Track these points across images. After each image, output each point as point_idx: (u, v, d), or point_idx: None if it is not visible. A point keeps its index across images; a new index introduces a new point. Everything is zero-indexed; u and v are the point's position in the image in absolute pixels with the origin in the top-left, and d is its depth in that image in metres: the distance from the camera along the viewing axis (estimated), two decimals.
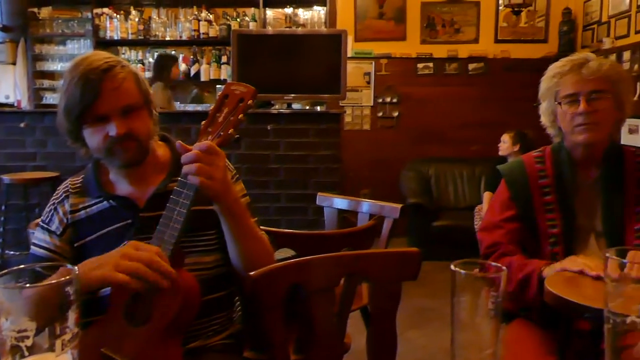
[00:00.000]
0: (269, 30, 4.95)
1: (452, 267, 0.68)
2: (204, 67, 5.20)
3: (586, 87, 1.52)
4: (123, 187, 1.33)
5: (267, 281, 1.13)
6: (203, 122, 1.16)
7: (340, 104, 5.11)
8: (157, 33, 5.23)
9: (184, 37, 5.20)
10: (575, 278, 1.31)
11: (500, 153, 4.25)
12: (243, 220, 1.24)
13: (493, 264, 0.69)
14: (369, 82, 5.38)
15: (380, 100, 5.37)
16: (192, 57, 5.24)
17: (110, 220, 1.29)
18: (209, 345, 1.31)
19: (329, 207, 2.44)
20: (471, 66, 5.34)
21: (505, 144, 4.19)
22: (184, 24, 5.20)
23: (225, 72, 5.16)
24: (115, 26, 5.14)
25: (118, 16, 5.16)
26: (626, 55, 4.21)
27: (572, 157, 1.61)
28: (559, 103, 1.57)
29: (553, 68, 1.60)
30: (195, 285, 1.15)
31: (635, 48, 4.02)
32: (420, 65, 5.34)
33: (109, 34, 5.15)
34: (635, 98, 3.87)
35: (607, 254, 0.64)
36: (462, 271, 0.68)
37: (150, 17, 5.25)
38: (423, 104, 5.34)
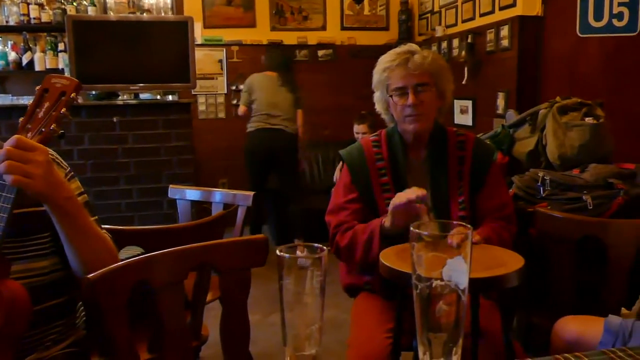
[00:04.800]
0: (111, 16, 4.64)
1: (278, 252, 0.71)
2: (37, 55, 4.74)
3: (412, 81, 1.66)
4: None
5: (106, 283, 1.09)
6: (21, 119, 1.07)
7: (193, 93, 4.99)
8: None
9: (12, 23, 4.68)
10: (405, 251, 1.44)
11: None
12: (78, 219, 1.16)
13: (316, 245, 0.74)
14: (223, 70, 5.32)
15: (234, 88, 5.34)
16: (22, 44, 4.76)
17: None
18: (49, 356, 1.23)
19: (182, 199, 2.39)
20: (320, 52, 5.51)
21: (366, 135, 4.37)
22: (10, 8, 4.68)
23: (63, 61, 4.76)
24: None
25: None
26: (455, 42, 4.63)
27: (404, 140, 1.76)
28: (391, 95, 1.70)
29: (382, 62, 1.72)
30: (23, 293, 1.07)
31: (463, 36, 4.44)
32: None
33: None
34: (464, 82, 4.29)
35: (412, 227, 0.72)
36: (287, 255, 0.71)
37: None
38: None
